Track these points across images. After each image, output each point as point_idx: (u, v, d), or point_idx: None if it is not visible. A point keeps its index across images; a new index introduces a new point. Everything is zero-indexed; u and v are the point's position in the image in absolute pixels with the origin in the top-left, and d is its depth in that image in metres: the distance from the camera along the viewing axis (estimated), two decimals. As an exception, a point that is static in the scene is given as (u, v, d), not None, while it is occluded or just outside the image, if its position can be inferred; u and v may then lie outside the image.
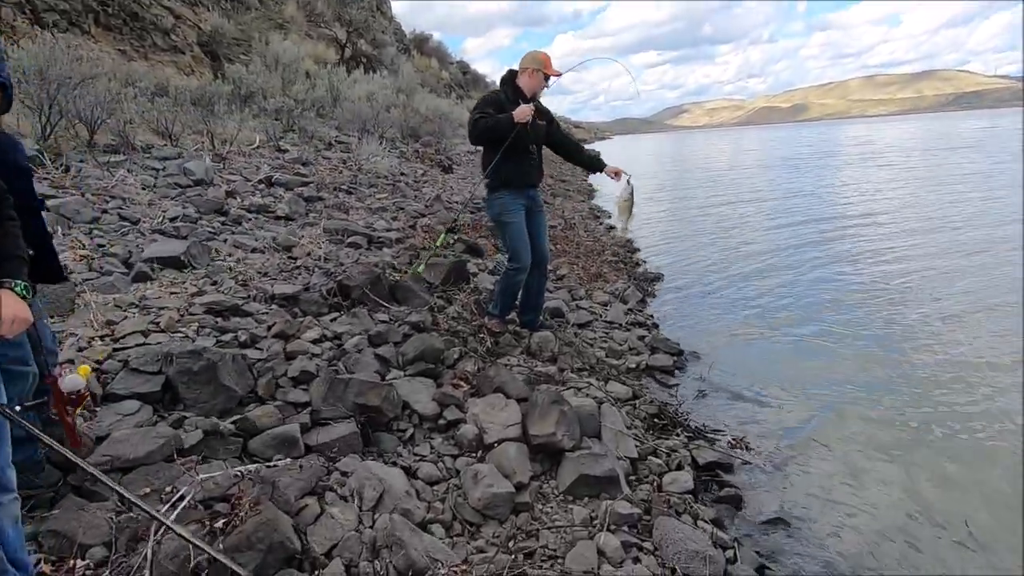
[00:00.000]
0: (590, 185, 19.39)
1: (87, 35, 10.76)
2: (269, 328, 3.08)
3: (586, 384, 3.28)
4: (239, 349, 2.83)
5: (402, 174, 10.01)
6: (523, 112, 3.59)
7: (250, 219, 5.45)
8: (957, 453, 3.03)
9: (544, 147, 4.01)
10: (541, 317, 4.37)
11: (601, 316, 5.13)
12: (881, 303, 5.42)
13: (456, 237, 5.44)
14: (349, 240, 5.13)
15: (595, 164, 4.04)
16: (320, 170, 8.11)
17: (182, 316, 3.18)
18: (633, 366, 4.14)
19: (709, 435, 3.19)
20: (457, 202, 8.70)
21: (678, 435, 3.14)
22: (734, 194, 14.31)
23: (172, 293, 3.56)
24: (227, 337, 2.97)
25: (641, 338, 4.53)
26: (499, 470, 2.38)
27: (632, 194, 4.00)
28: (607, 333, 4.71)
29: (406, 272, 4.52)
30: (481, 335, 3.95)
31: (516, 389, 2.92)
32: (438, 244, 4.31)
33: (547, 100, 3.98)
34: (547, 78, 3.81)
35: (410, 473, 2.40)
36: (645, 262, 7.57)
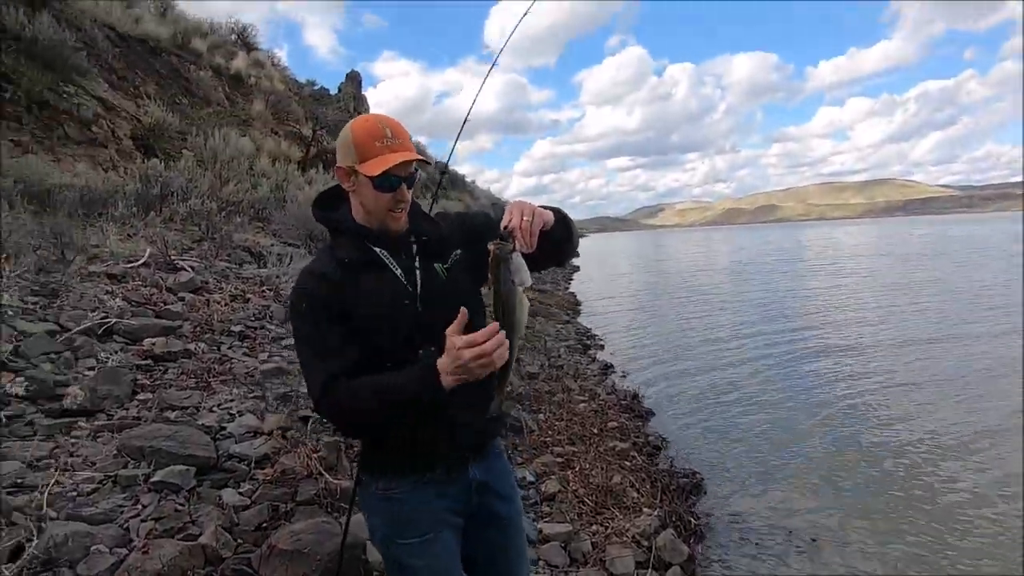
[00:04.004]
0: (573, 295, 17.01)
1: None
2: None
3: None
4: None
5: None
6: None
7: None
8: None
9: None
10: None
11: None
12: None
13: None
14: (151, 480, 2.70)
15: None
16: (209, 301, 5.83)
17: None
18: None
19: None
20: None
21: None
22: (715, 306, 13.70)
23: None
24: None
25: None
26: None
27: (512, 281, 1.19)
28: None
29: None
30: None
31: None
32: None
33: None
34: (388, 181, 1.30)
35: None
36: (666, 443, 5.24)
